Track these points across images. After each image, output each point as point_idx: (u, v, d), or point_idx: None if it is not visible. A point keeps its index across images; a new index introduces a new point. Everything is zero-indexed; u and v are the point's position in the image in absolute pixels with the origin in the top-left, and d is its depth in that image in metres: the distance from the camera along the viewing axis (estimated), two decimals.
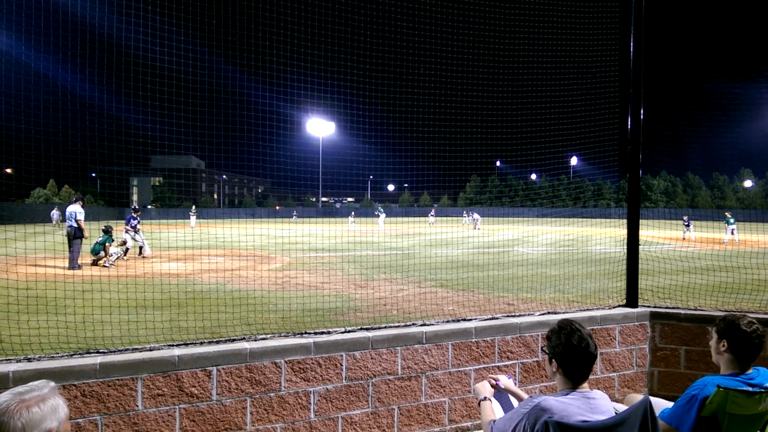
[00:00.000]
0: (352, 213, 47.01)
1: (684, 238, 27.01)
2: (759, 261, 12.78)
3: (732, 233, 25.71)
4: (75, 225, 13.53)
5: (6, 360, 3.25)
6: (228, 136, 5.60)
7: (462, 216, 44.00)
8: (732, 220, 25.99)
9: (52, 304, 5.69)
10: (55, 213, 35.68)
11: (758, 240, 25.47)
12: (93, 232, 14.78)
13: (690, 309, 5.09)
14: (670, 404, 2.80)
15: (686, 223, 27.73)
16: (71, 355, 3.36)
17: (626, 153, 5.17)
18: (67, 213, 13.81)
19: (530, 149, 6.81)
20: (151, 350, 3.50)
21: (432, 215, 48.23)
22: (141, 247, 17.10)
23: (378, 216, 40.84)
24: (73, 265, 13.32)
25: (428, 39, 5.84)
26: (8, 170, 5.41)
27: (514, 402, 2.85)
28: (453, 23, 5.87)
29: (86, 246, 14.37)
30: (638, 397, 2.61)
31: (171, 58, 4.66)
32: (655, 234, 28.55)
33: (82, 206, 14.07)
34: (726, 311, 4.84)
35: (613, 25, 5.62)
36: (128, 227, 16.86)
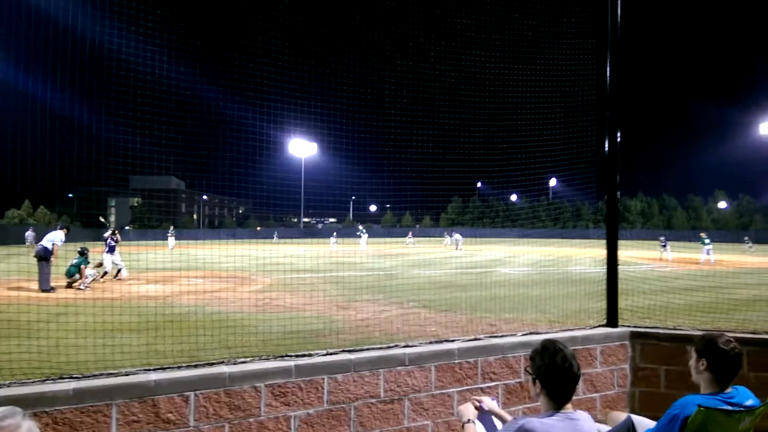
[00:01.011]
0: (334, 233, 46.73)
1: (661, 258, 27.48)
2: (734, 281, 13.05)
3: (708, 253, 26.22)
4: (48, 247, 13.25)
5: None
6: (209, 156, 5.57)
7: (443, 237, 43.88)
8: (707, 241, 26.55)
9: (25, 328, 5.52)
10: (29, 234, 34.82)
11: (733, 260, 26.02)
12: (69, 253, 14.46)
13: (669, 329, 5.14)
14: (652, 423, 2.80)
15: (663, 244, 28.29)
16: (44, 381, 3.25)
17: (604, 174, 5.27)
18: (48, 236, 13.58)
19: (511, 171, 6.90)
20: (126, 375, 3.40)
21: (410, 237, 47.94)
22: (119, 270, 16.77)
23: (360, 237, 40.63)
24: (46, 287, 12.97)
25: (409, 61, 5.94)
26: None
27: (498, 424, 2.83)
28: (433, 46, 5.99)
29: (61, 268, 14.04)
30: (621, 416, 2.62)
31: (153, 78, 4.64)
32: (633, 254, 28.98)
33: (66, 234, 13.93)
34: (704, 330, 4.90)
35: (590, 48, 5.78)
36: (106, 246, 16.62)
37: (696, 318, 6.56)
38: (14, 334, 5.44)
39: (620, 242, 5.25)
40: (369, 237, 41.92)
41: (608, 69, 5.24)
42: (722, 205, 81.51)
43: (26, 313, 6.18)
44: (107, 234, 16.86)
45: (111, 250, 16.59)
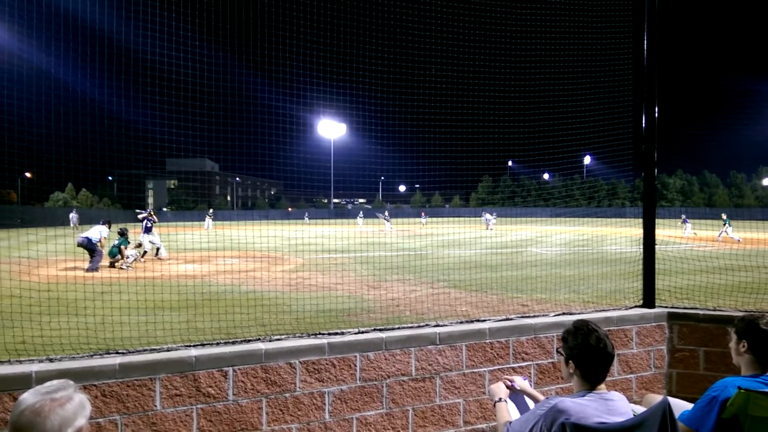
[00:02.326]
0: (361, 213, 46.76)
1: (695, 236, 26.73)
2: None
3: (725, 233, 25.15)
4: (92, 239, 14.02)
5: (29, 360, 3.31)
6: (241, 138, 5.66)
7: (482, 215, 42.80)
8: (728, 222, 25.56)
9: (72, 306, 5.79)
10: (73, 216, 36.18)
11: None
12: (111, 235, 15.07)
13: (708, 309, 5.01)
14: (689, 406, 2.76)
15: (684, 221, 27.69)
16: (91, 356, 3.42)
17: (641, 152, 5.12)
18: (93, 228, 14.36)
19: (543, 149, 6.77)
20: (168, 351, 3.54)
21: (423, 216, 48.15)
22: (158, 249, 17.33)
23: (385, 221, 39.62)
24: (92, 268, 13.57)
25: (439, 39, 5.84)
26: (28, 174, 5.53)
27: (530, 403, 2.84)
28: (465, 22, 5.87)
29: (104, 249, 14.68)
30: (657, 398, 2.59)
31: (186, 63, 4.72)
32: (672, 233, 28.19)
33: (109, 228, 14.96)
34: (745, 311, 4.77)
35: (627, 23, 5.57)
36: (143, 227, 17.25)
37: (737, 298, 6.36)
38: (63, 312, 5.71)
39: (658, 221, 5.12)
40: (392, 219, 41.36)
41: (645, 43, 5.05)
42: (767, 182, 78.13)
43: (73, 291, 6.47)
44: (143, 215, 17.42)
45: (148, 230, 17.14)
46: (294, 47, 5.25)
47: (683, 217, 28.59)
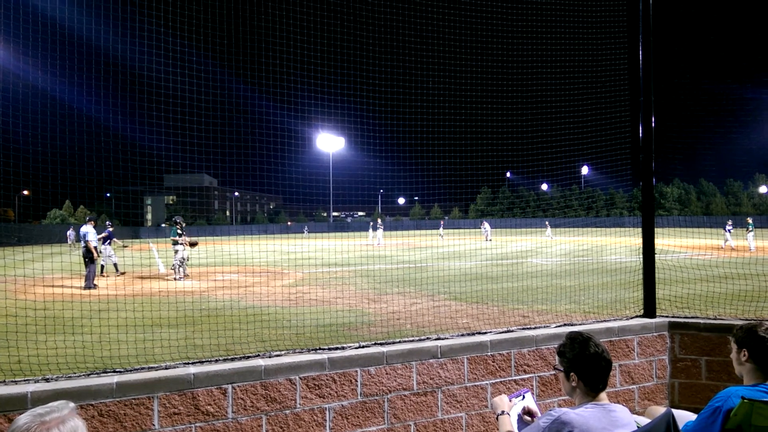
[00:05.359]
0: (371, 223, 46.46)
1: (735, 248, 25.33)
2: None
3: (747, 239, 25.01)
4: (88, 247, 13.84)
5: (24, 380, 3.27)
6: (240, 153, 5.67)
7: (481, 226, 42.40)
8: (751, 227, 25.42)
9: (69, 324, 5.74)
10: (71, 233, 36.16)
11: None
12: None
13: (709, 318, 4.99)
14: (693, 417, 2.73)
15: (728, 230, 25.63)
16: (88, 375, 3.38)
17: (638, 161, 5.13)
18: (82, 231, 14.21)
19: (541, 160, 6.79)
20: (166, 369, 3.51)
21: (442, 226, 48.22)
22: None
23: (377, 230, 38.73)
24: (89, 284, 13.47)
25: (437, 51, 5.89)
26: (25, 192, 5.51)
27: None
28: (462, 36, 5.92)
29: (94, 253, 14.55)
30: (660, 410, 2.56)
31: (183, 79, 4.74)
32: (670, 242, 28.19)
33: (95, 227, 14.43)
34: (746, 320, 4.74)
35: (623, 34, 5.63)
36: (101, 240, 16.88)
37: (738, 307, 6.34)
38: (59, 330, 5.66)
39: (657, 230, 5.12)
40: (384, 230, 40.74)
41: (641, 53, 5.09)
42: (763, 189, 78.50)
43: (70, 309, 6.43)
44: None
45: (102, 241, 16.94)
46: (292, 61, 5.28)
47: (730, 222, 26.10)
